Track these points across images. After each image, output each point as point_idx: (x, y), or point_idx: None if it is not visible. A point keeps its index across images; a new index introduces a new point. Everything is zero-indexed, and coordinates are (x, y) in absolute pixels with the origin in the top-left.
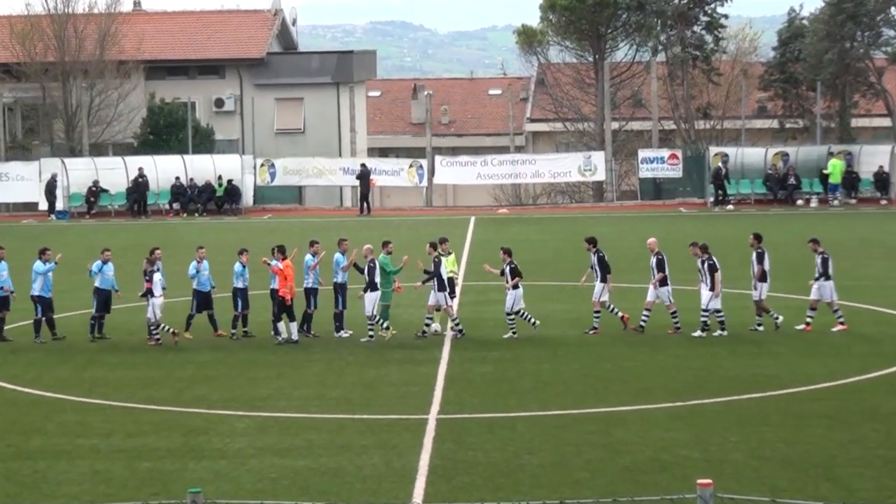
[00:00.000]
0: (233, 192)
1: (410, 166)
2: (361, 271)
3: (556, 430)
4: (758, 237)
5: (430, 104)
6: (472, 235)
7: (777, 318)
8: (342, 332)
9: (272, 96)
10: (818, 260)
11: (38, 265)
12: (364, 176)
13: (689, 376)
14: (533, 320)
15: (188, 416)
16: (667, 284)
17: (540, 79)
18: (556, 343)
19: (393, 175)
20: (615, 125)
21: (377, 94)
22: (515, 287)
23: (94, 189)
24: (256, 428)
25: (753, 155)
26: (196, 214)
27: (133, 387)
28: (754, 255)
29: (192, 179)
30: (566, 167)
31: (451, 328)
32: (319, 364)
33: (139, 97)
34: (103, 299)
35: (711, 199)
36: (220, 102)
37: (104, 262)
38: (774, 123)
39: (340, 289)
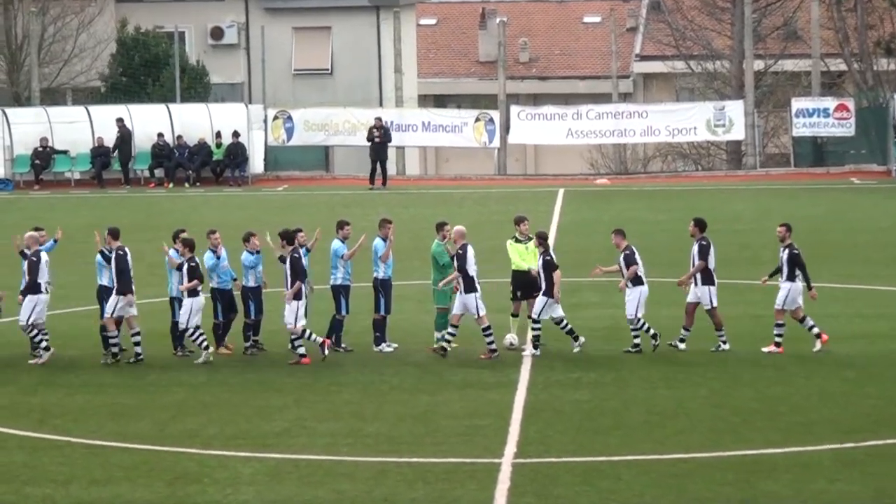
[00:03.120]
0: (236, 154)
1: (477, 120)
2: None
3: (675, 479)
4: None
5: (504, 36)
6: (561, 214)
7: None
8: (384, 344)
9: (289, 24)
10: (783, 255)
11: None
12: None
13: (865, 407)
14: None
15: (175, 458)
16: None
17: (654, 1)
18: (675, 361)
19: (453, 132)
20: (759, 65)
21: (432, 21)
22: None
23: (44, 150)
24: (268, 474)
25: None
26: (186, 185)
27: (100, 417)
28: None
29: (179, 137)
30: (690, 122)
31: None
32: (353, 388)
33: (107, 25)
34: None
35: None
36: (217, 32)
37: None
38: None
39: (382, 287)
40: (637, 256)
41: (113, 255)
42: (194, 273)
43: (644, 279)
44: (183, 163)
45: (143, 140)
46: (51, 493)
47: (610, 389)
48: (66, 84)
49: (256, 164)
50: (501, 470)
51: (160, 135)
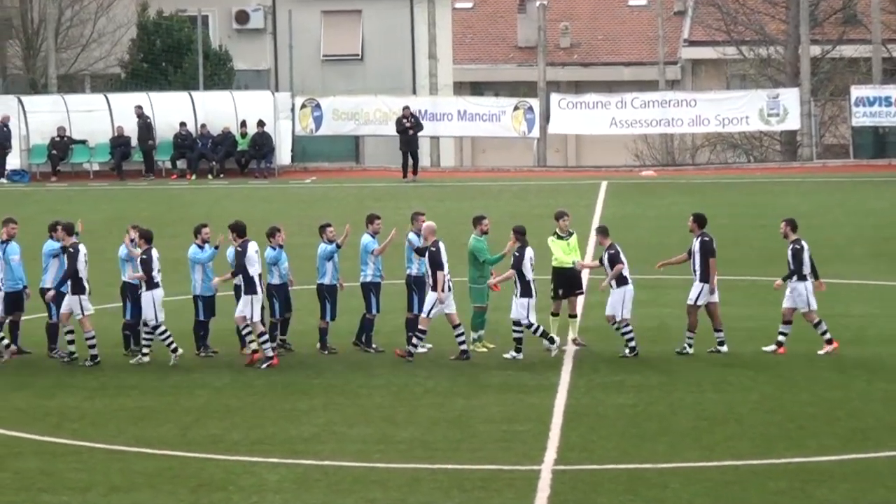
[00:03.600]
0: (261, 144)
1: (515, 109)
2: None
3: (725, 488)
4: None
5: (544, 20)
6: (603, 208)
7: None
8: (418, 344)
9: (317, 8)
10: (788, 251)
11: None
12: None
13: None
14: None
15: (199, 464)
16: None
17: None
18: (724, 362)
19: (490, 121)
20: (816, 51)
21: (468, 4)
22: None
23: (61, 139)
24: (295, 481)
25: None
26: (209, 176)
27: (120, 421)
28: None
29: (202, 127)
30: (741, 111)
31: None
32: (385, 391)
33: (127, 9)
34: (11, 299)
35: None
36: (242, 17)
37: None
38: None
39: (416, 285)
40: (622, 255)
41: (64, 253)
42: (145, 266)
43: (629, 279)
44: (206, 153)
45: (164, 130)
46: (68, 502)
47: (656, 393)
48: (85, 71)
49: (283, 154)
50: (541, 477)
51: (182, 124)
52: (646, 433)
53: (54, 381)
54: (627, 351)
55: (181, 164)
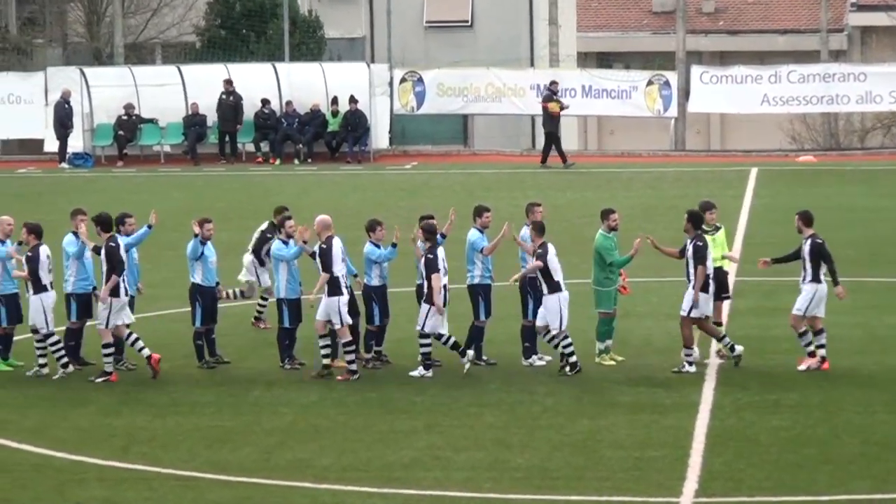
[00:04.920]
0: (355, 124)
1: (649, 84)
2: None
3: None
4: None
5: None
6: (753, 199)
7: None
8: (534, 356)
9: None
10: (805, 248)
11: (72, 242)
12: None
13: None
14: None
15: (282, 493)
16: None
17: None
18: None
19: (619, 98)
20: None
21: None
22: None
23: (129, 118)
24: None
25: None
26: (295, 161)
27: (194, 443)
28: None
29: (288, 104)
30: None
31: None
32: (497, 411)
33: None
34: (83, 303)
35: None
36: None
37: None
38: None
39: (533, 288)
40: (550, 256)
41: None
42: (31, 265)
43: (563, 284)
44: (292, 134)
45: (245, 107)
46: None
47: (817, 414)
48: (155, 39)
49: (380, 136)
50: None
51: (265, 101)
52: (804, 460)
53: (120, 396)
54: (568, 369)
55: (263, 146)
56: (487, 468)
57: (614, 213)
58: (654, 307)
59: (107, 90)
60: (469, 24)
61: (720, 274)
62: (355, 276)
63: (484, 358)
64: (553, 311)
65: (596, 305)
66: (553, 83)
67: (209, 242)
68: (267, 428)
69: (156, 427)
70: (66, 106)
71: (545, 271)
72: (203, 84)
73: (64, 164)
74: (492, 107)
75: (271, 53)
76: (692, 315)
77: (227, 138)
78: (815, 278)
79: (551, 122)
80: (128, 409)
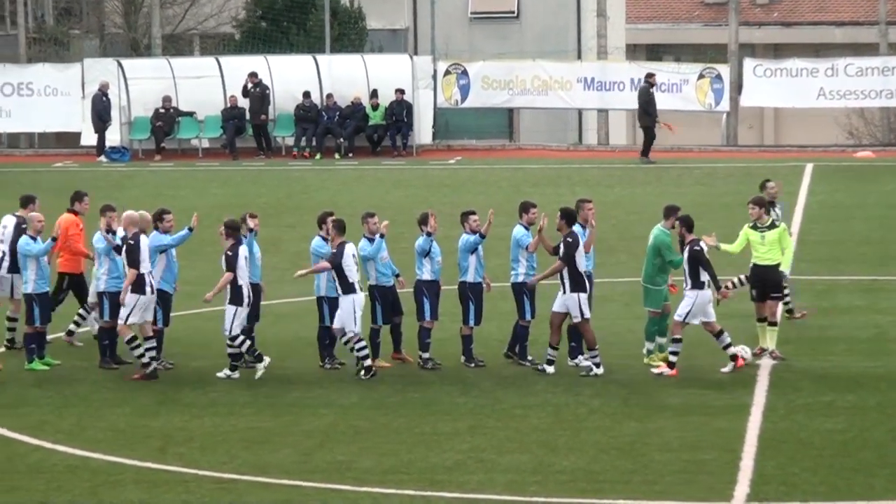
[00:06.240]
0: (398, 117)
1: (700, 77)
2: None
3: None
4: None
5: None
6: (808, 196)
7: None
8: (580, 356)
9: None
10: (684, 255)
11: (101, 238)
12: (642, 95)
13: None
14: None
15: (322, 496)
16: None
17: None
18: None
19: (669, 92)
20: None
21: None
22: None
23: (167, 111)
24: None
25: None
26: (336, 155)
27: (232, 445)
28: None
29: (329, 96)
30: None
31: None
32: (542, 412)
33: None
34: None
35: None
36: None
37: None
38: None
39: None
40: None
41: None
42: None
43: (357, 286)
44: (332, 128)
45: (284, 100)
46: None
47: (874, 416)
48: (193, 30)
49: (423, 130)
50: None
51: (306, 94)
52: (860, 464)
53: (157, 397)
54: (363, 373)
55: (303, 141)
56: (532, 471)
57: (678, 210)
58: None
59: (144, 82)
60: (515, 14)
61: (771, 272)
62: (397, 275)
63: (529, 358)
64: (347, 312)
65: (644, 303)
66: (650, 75)
67: (255, 239)
68: (306, 429)
69: (193, 428)
70: (104, 99)
71: (339, 271)
72: (242, 76)
73: (102, 158)
74: (538, 100)
75: (311, 45)
76: (587, 316)
77: (261, 132)
78: (696, 285)
79: (647, 116)
80: (165, 410)
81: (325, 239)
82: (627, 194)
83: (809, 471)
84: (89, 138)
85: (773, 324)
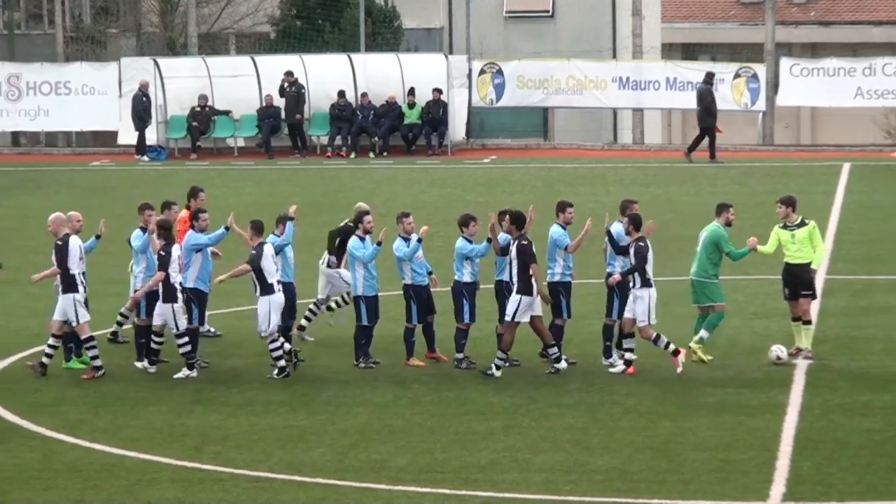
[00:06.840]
0: (433, 117)
1: (737, 76)
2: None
3: None
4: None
5: None
6: (845, 195)
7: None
8: (613, 357)
9: None
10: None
11: (138, 237)
12: (704, 95)
13: None
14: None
15: (357, 495)
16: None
17: None
18: None
19: None
20: None
21: None
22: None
23: (202, 110)
24: None
25: None
26: (370, 154)
27: (267, 443)
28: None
29: (363, 95)
30: None
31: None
32: (577, 411)
33: None
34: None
35: None
36: None
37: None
38: None
39: (618, 285)
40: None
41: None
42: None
43: (275, 286)
44: (367, 127)
45: (319, 99)
46: None
47: None
48: (229, 29)
49: (458, 129)
50: None
51: (341, 93)
52: None
53: (193, 395)
54: (276, 372)
55: (338, 140)
56: (567, 470)
57: (732, 207)
58: (740, 306)
59: (180, 81)
60: (550, 14)
61: (802, 270)
62: (430, 273)
63: (564, 357)
64: (263, 314)
65: (711, 298)
66: (710, 75)
67: (291, 238)
68: (341, 428)
69: (229, 426)
70: (144, 98)
71: (259, 272)
72: (277, 75)
73: (143, 157)
74: (573, 99)
75: (346, 44)
76: (517, 319)
77: (296, 131)
78: (645, 283)
79: (710, 116)
80: (200, 409)
81: (361, 238)
82: (662, 193)
83: (846, 470)
84: (126, 137)
85: (808, 322)
